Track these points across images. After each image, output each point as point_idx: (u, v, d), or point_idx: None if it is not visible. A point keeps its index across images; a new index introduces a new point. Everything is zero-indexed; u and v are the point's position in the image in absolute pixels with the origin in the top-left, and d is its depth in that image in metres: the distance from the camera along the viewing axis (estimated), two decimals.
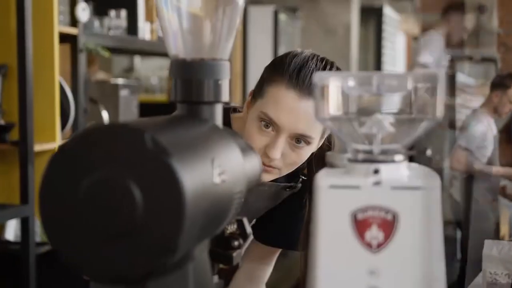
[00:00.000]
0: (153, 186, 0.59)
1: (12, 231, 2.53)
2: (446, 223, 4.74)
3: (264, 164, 1.25)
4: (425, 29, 9.55)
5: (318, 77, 0.69)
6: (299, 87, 1.23)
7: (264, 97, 1.26)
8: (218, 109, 0.79)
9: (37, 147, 2.35)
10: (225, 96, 0.79)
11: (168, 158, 0.59)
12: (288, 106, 1.23)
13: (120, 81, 3.13)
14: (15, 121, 2.34)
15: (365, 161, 0.68)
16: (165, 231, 0.59)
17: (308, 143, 1.26)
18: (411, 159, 0.71)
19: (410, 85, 0.67)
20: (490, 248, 1.91)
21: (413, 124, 0.69)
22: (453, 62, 4.47)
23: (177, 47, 0.79)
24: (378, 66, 7.09)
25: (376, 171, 0.67)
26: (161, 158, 0.59)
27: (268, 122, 1.25)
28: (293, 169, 1.31)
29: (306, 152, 1.28)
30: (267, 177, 1.29)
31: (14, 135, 2.34)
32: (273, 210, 1.44)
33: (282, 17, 4.93)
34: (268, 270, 1.51)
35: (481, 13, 9.36)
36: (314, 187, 0.68)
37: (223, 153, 0.71)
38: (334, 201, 0.67)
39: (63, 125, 2.52)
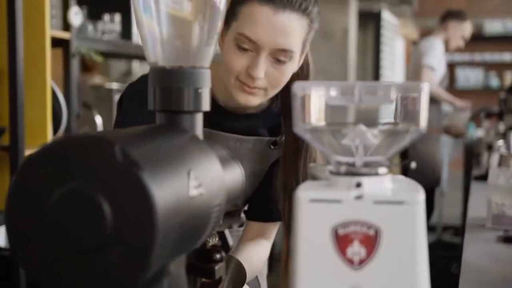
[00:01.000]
0: (123, 200, 0.56)
1: (3, 237, 2.51)
2: None
3: (248, 86, 1.24)
4: (423, 34, 9.55)
5: (299, 86, 0.67)
6: (272, 1, 1.20)
7: (238, 19, 1.23)
8: (199, 118, 0.77)
9: (28, 152, 2.32)
10: (205, 105, 0.77)
11: (139, 171, 0.56)
12: (264, 22, 1.20)
13: (115, 85, 3.11)
14: (6, 126, 2.31)
15: (347, 174, 0.66)
16: (136, 248, 0.57)
17: (289, 58, 1.23)
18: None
19: (393, 96, 0.65)
20: (496, 176, 1.81)
21: (397, 135, 0.67)
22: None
23: (156, 55, 0.77)
24: (376, 70, 7.07)
25: (358, 185, 0.65)
26: (132, 171, 0.56)
27: (245, 43, 1.22)
28: (279, 89, 1.28)
29: (288, 68, 1.25)
30: (254, 100, 1.27)
31: (5, 140, 2.31)
32: (260, 186, 1.43)
33: None
34: (268, 247, 1.46)
35: None
36: (294, 200, 0.66)
37: (201, 164, 0.68)
38: (315, 215, 0.64)
39: (55, 130, 2.50)
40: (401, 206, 0.63)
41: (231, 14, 1.24)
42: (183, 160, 0.65)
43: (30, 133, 2.36)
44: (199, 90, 0.76)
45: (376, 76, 7.01)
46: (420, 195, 0.64)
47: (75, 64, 2.58)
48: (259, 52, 1.22)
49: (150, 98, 0.76)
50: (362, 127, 0.67)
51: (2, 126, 2.33)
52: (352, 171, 0.66)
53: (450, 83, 9.87)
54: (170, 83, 0.75)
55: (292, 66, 1.26)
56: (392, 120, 0.67)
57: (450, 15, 4.44)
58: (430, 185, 4.46)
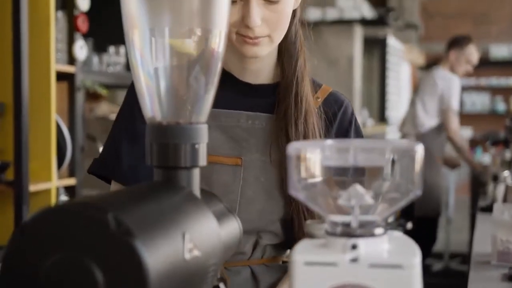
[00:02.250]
0: (116, 269, 0.56)
1: None
2: None
3: (249, 37, 1.17)
4: (429, 59, 9.57)
5: (293, 147, 0.67)
6: None
7: None
8: (196, 174, 0.77)
9: (33, 187, 2.33)
10: (202, 160, 0.77)
11: (132, 239, 0.56)
12: None
13: None
14: (10, 160, 2.32)
15: (343, 235, 0.66)
16: None
17: None
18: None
19: (388, 157, 0.65)
20: (501, 212, 1.77)
21: (394, 197, 0.66)
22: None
23: (153, 110, 0.77)
24: (382, 96, 7.07)
25: (354, 247, 0.64)
26: (125, 240, 0.56)
27: None
28: (284, 32, 1.20)
29: (286, 6, 1.17)
30: (261, 50, 1.19)
31: (9, 174, 2.32)
32: None
33: None
34: None
35: None
36: (290, 262, 0.66)
37: (196, 224, 0.68)
38: (310, 278, 0.64)
39: (60, 164, 2.50)
40: (398, 270, 0.62)
41: None
42: (178, 222, 0.65)
43: (34, 168, 2.36)
44: (196, 146, 0.76)
45: (382, 102, 7.01)
46: (417, 258, 0.63)
47: (80, 97, 2.59)
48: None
49: (147, 153, 0.76)
50: (358, 187, 0.66)
51: (7, 160, 2.34)
52: (347, 232, 0.66)
53: None
54: (167, 139, 0.75)
55: (289, 3, 1.18)
56: (388, 179, 0.67)
57: (451, 43, 4.46)
58: (434, 214, 4.44)
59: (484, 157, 5.66)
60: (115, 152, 1.23)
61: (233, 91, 1.26)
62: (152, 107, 0.77)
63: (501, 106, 9.73)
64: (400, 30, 8.67)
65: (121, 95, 4.81)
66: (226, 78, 1.26)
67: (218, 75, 0.79)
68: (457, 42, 4.46)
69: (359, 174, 0.68)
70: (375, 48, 6.96)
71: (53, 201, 2.43)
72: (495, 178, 3.21)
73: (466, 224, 5.58)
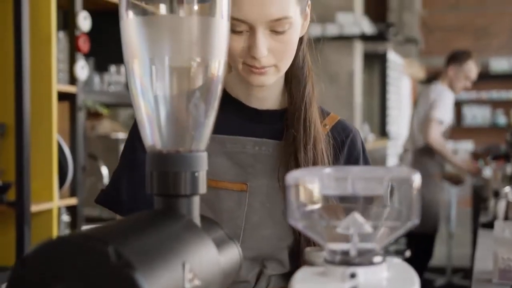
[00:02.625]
0: None
1: None
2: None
3: (256, 67, 1.15)
4: (430, 73, 9.60)
5: (291, 176, 0.67)
6: None
7: None
8: (196, 202, 0.77)
9: (34, 208, 2.33)
10: (202, 188, 0.77)
11: (133, 272, 0.57)
12: None
13: (121, 135, 3.13)
14: (12, 181, 2.33)
15: (341, 263, 0.66)
16: None
17: (288, 25, 1.13)
18: None
19: (385, 186, 0.65)
20: (502, 229, 1.76)
21: (392, 225, 0.67)
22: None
23: (154, 138, 0.78)
24: (383, 111, 7.09)
25: (352, 275, 0.65)
26: (125, 272, 0.57)
27: (237, 25, 1.12)
28: (290, 61, 1.18)
29: (292, 35, 1.15)
30: (267, 79, 1.17)
31: (11, 195, 2.32)
32: None
33: None
34: None
35: None
36: None
37: (196, 254, 0.69)
38: None
39: (61, 184, 2.51)
40: None
41: None
42: (178, 251, 0.66)
43: (36, 188, 2.37)
44: (196, 174, 0.76)
45: (383, 116, 7.03)
46: (415, 286, 0.64)
47: (81, 117, 2.60)
48: (253, 30, 1.12)
49: (148, 181, 0.77)
50: (356, 216, 0.67)
51: (8, 181, 2.35)
52: (346, 261, 0.66)
53: (458, 121, 9.92)
54: (167, 167, 0.76)
55: (295, 32, 1.16)
56: (387, 207, 0.68)
57: (450, 59, 4.46)
58: (432, 230, 4.42)
59: (486, 171, 5.67)
60: (116, 184, 1.25)
61: (239, 117, 1.25)
62: (152, 135, 0.78)
63: (502, 119, 9.76)
64: (400, 45, 8.71)
65: (123, 113, 4.83)
66: (233, 104, 1.26)
67: (218, 102, 0.80)
68: (456, 58, 4.46)
69: (358, 202, 0.68)
70: (376, 62, 6.98)
71: (55, 221, 2.44)
72: (496, 194, 3.22)
73: (468, 238, 5.57)
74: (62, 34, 2.59)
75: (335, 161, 1.25)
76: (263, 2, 1.10)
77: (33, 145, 2.35)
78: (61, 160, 2.48)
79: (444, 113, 4.32)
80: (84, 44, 2.57)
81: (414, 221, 0.66)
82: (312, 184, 0.67)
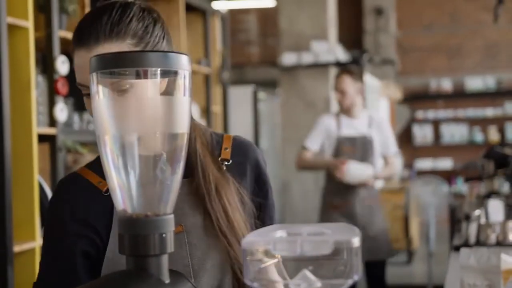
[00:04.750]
0: None
1: None
2: None
3: None
4: (406, 93, 9.77)
5: (246, 241, 0.76)
6: (83, 41, 1.16)
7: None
8: (164, 260, 0.86)
9: (17, 248, 2.39)
10: (170, 247, 0.86)
11: None
12: (83, 64, 1.15)
13: None
14: None
15: None
16: None
17: (130, 85, 1.07)
18: None
19: (329, 248, 0.74)
20: (468, 256, 1.83)
21: (336, 282, 0.76)
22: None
23: (124, 203, 0.86)
24: None
25: None
26: None
27: (85, 89, 1.17)
28: None
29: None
30: None
31: None
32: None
33: (262, 95, 5.06)
34: None
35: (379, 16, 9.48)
36: None
37: None
38: None
39: (43, 223, 2.57)
40: None
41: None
42: None
43: (17, 229, 2.43)
44: (164, 235, 0.85)
45: None
46: None
47: (61, 157, 2.67)
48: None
49: (120, 243, 0.85)
50: (307, 273, 0.76)
51: None
52: None
53: (436, 139, 10.09)
54: (137, 230, 0.84)
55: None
56: (333, 267, 0.76)
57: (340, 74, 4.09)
58: (387, 256, 4.26)
59: (464, 188, 5.77)
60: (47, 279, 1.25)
61: None
62: (123, 201, 0.86)
63: (479, 137, 9.93)
64: (377, 66, 8.87)
65: None
66: None
67: (183, 168, 0.89)
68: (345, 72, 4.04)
69: (308, 261, 0.77)
70: None
71: (37, 260, 2.50)
72: (467, 217, 3.30)
73: (447, 254, 5.66)
74: (41, 78, 2.67)
75: (243, 185, 1.29)
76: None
77: (14, 187, 2.41)
78: (43, 200, 2.55)
79: (309, 139, 4.07)
80: (63, 87, 2.65)
81: (355, 278, 0.75)
82: (265, 247, 0.76)
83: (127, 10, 1.19)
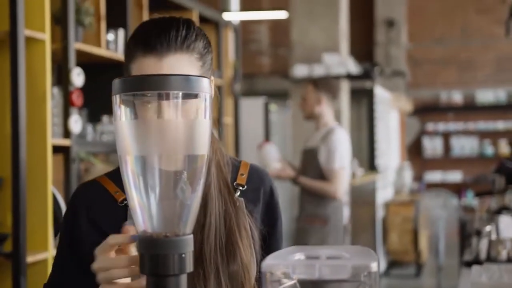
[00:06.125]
0: None
1: None
2: None
3: None
4: (417, 105, 9.76)
5: (265, 264, 0.77)
6: (154, 47, 1.16)
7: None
8: (183, 280, 0.87)
9: (30, 258, 2.41)
10: (189, 267, 0.87)
11: None
12: (151, 72, 1.15)
13: None
14: (9, 232, 2.41)
15: None
16: None
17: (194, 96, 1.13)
18: None
19: (348, 273, 0.75)
20: (479, 274, 1.83)
21: None
22: None
23: (145, 224, 0.88)
24: (371, 144, 7.19)
25: None
26: None
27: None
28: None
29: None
30: None
31: (7, 246, 2.40)
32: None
33: (273, 107, 5.07)
34: None
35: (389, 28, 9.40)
36: None
37: None
38: None
39: (56, 234, 2.59)
40: None
41: (126, 73, 1.22)
42: None
43: (31, 239, 2.45)
44: (183, 255, 0.86)
45: (371, 150, 7.13)
46: None
47: (74, 168, 2.70)
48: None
49: (140, 262, 0.87)
50: None
51: (5, 232, 2.43)
52: None
53: (446, 152, 10.06)
54: (157, 250, 0.86)
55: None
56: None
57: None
58: None
59: (474, 201, 5.75)
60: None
61: None
62: (143, 221, 0.88)
63: (489, 150, 9.90)
64: (388, 78, 8.87)
65: (115, 156, 4.92)
66: None
67: (202, 188, 0.90)
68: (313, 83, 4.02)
69: (326, 284, 0.78)
70: (363, 98, 7.11)
71: (50, 270, 2.51)
72: (478, 233, 3.30)
73: (457, 269, 5.64)
74: (56, 90, 2.69)
75: (255, 212, 1.30)
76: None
77: (29, 197, 2.44)
78: (56, 211, 2.57)
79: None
80: (77, 99, 2.68)
81: None
82: (284, 270, 0.77)
83: (191, 27, 1.21)
